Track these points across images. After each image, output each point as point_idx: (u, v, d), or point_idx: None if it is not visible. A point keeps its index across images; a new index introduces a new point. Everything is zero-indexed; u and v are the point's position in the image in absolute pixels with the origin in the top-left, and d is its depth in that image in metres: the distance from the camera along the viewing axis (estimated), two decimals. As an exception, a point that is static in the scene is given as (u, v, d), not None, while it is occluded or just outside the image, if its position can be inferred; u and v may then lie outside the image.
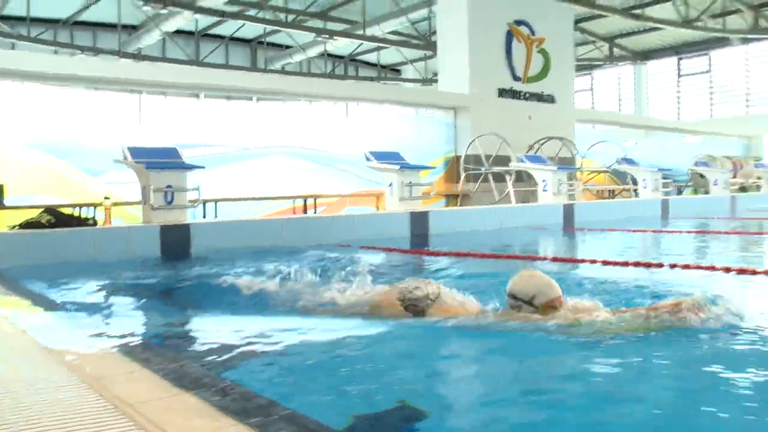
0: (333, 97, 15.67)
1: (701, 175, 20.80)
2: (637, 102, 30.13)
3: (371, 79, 30.14)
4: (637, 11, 21.87)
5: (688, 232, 9.40)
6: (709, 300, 3.07)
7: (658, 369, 2.60)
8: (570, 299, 3.38)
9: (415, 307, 3.53)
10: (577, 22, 25.77)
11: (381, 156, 9.57)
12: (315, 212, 13.86)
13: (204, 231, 8.07)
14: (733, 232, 9.32)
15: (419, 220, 9.09)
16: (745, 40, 26.65)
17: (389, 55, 29.40)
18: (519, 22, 17.62)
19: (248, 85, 14.47)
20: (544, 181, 11.49)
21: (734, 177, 21.56)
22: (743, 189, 22.08)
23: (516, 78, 17.42)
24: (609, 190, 19.66)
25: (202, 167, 8.13)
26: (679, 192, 21.59)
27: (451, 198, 16.46)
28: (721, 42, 26.81)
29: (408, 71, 30.59)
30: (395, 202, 9.33)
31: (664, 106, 30.09)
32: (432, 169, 10.08)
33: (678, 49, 28.97)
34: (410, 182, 9.33)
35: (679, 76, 29.66)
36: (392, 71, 32.23)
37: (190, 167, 8.10)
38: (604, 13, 21.44)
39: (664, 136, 25.93)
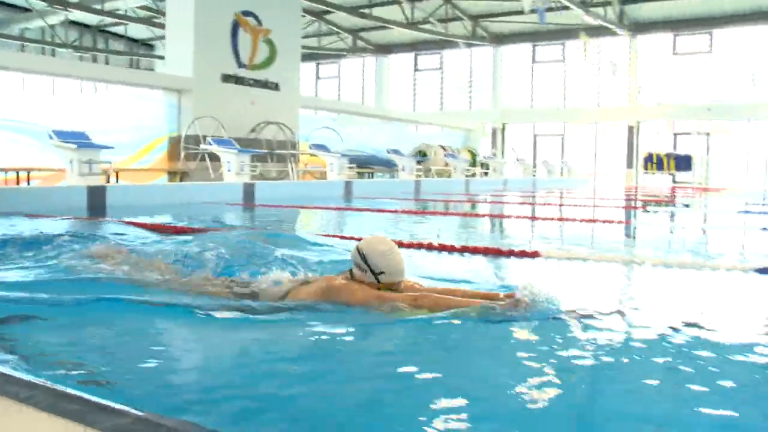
0: (51, 73, 15.89)
1: (419, 161, 23.49)
2: (377, 92, 32.64)
3: (120, 53, 29.93)
4: (365, 10, 23.96)
5: (358, 209, 11.11)
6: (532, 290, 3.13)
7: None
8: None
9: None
10: (322, 14, 27.58)
11: (63, 135, 10.32)
12: (29, 184, 14.20)
13: None
14: (407, 212, 10.62)
15: (97, 194, 10.00)
16: (469, 45, 29.96)
17: (141, 30, 29.38)
18: (246, 13, 18.78)
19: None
20: (228, 162, 12.82)
21: (446, 165, 24.38)
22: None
23: (241, 65, 18.59)
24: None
25: None
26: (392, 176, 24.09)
27: (174, 174, 17.36)
28: (452, 43, 29.85)
29: (160, 48, 30.72)
30: (74, 178, 10.15)
31: (403, 96, 32.89)
32: (111, 149, 10.92)
33: (416, 46, 31.76)
34: (89, 160, 10.20)
35: (416, 70, 32.59)
36: (145, 46, 32.15)
37: None
38: (332, 10, 23.26)
39: (399, 124, 28.43)
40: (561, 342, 2.76)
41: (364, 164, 20.84)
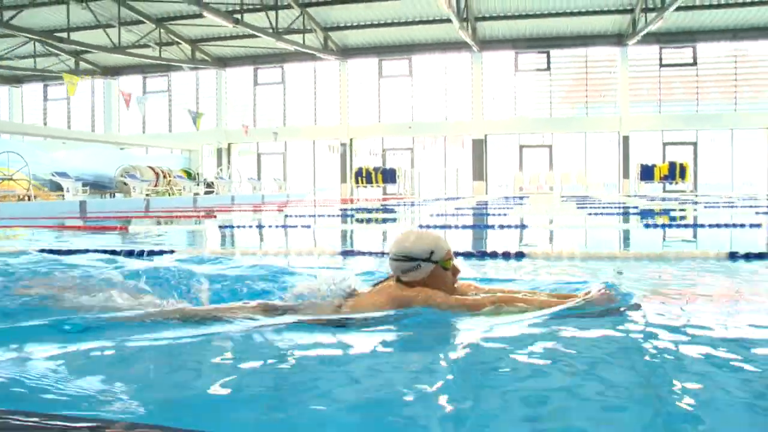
0: None
1: (124, 183, 24.11)
2: (106, 114, 32.82)
3: None
4: (62, 34, 24.27)
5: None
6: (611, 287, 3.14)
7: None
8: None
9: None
10: (44, 35, 27.25)
11: None
12: None
13: None
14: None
15: None
16: (194, 68, 31.00)
17: None
18: None
19: None
20: None
21: (156, 185, 25.17)
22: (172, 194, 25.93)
23: None
24: (28, 195, 21.62)
25: None
26: (113, 195, 24.65)
27: None
28: (178, 66, 30.59)
29: None
30: None
31: (134, 118, 33.22)
32: None
33: (143, 69, 32.27)
34: None
35: (145, 92, 33.11)
36: None
37: None
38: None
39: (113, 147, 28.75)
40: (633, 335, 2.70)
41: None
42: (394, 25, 28.00)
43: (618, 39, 28.25)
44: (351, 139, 30.92)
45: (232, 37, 29.17)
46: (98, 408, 1.91)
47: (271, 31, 24.80)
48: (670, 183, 28.36)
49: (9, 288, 3.38)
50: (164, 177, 25.78)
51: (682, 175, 27.97)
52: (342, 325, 2.83)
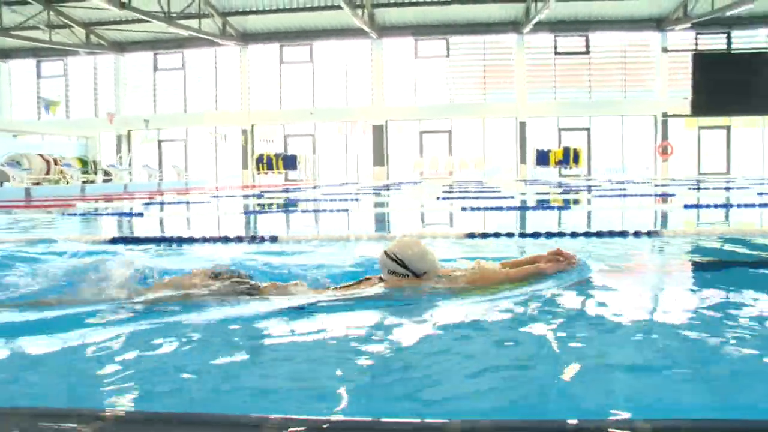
0: None
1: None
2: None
3: None
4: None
5: None
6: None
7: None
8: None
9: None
10: None
11: None
12: None
13: None
14: None
15: None
16: (91, 53, 30.23)
17: None
18: None
19: None
20: None
21: (48, 174, 24.53)
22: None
23: None
24: None
25: None
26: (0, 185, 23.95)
27: None
28: (74, 51, 29.78)
29: None
30: None
31: (27, 105, 32.30)
32: None
33: (36, 53, 31.24)
34: None
35: (39, 78, 32.20)
36: None
37: None
38: None
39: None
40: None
41: None
42: (295, 11, 27.96)
43: (514, 27, 28.87)
44: (252, 125, 30.76)
45: (127, 21, 28.46)
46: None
47: (163, 15, 24.39)
48: (565, 167, 29.20)
49: None
50: (56, 165, 25.14)
51: (576, 160, 28.83)
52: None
